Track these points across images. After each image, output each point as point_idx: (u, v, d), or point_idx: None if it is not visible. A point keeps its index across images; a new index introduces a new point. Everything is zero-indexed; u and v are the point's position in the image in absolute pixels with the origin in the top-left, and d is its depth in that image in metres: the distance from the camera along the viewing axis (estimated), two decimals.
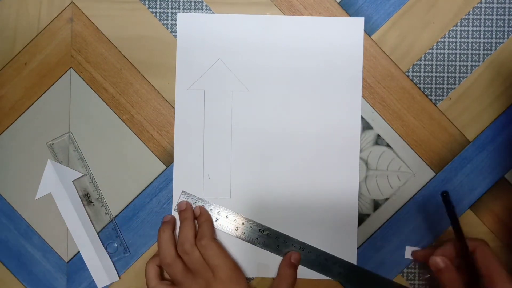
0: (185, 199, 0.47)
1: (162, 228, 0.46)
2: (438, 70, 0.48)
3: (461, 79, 0.48)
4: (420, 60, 0.48)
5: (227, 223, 0.47)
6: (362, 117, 0.48)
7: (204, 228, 0.46)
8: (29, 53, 0.48)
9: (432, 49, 0.48)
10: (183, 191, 0.47)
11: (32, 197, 0.48)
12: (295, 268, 0.46)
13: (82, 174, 0.48)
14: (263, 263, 0.47)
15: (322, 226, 0.47)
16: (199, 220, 0.46)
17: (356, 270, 0.47)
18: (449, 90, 0.48)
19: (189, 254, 0.44)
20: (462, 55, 0.48)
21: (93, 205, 0.48)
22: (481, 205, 0.48)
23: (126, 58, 0.48)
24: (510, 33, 0.48)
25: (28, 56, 0.48)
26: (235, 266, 0.45)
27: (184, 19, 0.48)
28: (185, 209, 0.47)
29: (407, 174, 0.48)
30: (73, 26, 0.48)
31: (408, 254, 0.47)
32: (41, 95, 0.48)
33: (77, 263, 0.48)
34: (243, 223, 0.47)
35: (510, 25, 0.48)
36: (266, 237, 0.47)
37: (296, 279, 0.46)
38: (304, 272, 0.47)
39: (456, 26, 0.48)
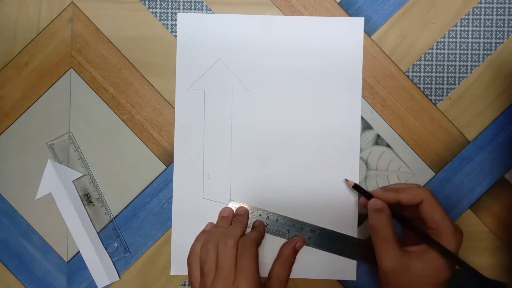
0: (233, 207, 0.47)
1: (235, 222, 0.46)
2: (438, 70, 0.48)
3: (461, 79, 0.48)
4: (420, 60, 0.48)
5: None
6: (362, 117, 0.48)
7: (253, 232, 0.45)
8: (29, 53, 0.48)
9: (432, 49, 0.48)
10: (231, 200, 0.47)
11: (32, 197, 0.48)
12: (296, 253, 0.46)
13: (82, 174, 0.48)
14: (262, 263, 0.47)
15: (322, 226, 0.47)
16: (252, 227, 0.47)
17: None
18: (449, 90, 0.48)
19: (227, 247, 0.42)
20: (462, 55, 0.48)
21: (93, 205, 0.48)
22: (481, 205, 0.48)
23: (126, 58, 0.48)
24: (510, 33, 0.48)
25: (28, 56, 0.48)
26: (258, 282, 0.42)
27: (184, 19, 0.48)
28: (243, 214, 0.47)
29: (407, 174, 0.48)
30: (73, 26, 0.48)
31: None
32: (41, 95, 0.48)
33: (77, 263, 0.48)
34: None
35: (510, 25, 0.48)
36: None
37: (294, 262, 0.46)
38: (304, 272, 0.47)
39: (456, 26, 0.48)
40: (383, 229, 0.42)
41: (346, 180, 0.47)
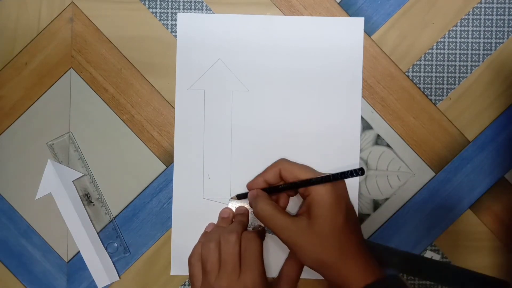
0: (233, 207, 0.47)
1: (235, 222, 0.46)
2: (438, 70, 0.48)
3: (461, 79, 0.48)
4: (420, 60, 0.48)
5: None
6: (362, 117, 0.48)
7: (256, 232, 0.45)
8: (29, 53, 0.48)
9: (432, 49, 0.48)
10: (231, 198, 0.47)
11: (33, 197, 0.48)
12: None
13: (82, 174, 0.48)
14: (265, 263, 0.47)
15: None
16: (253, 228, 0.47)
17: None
18: (449, 90, 0.48)
19: (229, 243, 0.42)
20: (462, 55, 0.48)
21: (93, 205, 0.48)
22: (481, 205, 0.48)
23: (126, 58, 0.48)
24: (510, 33, 0.48)
25: (28, 56, 0.48)
26: (264, 275, 0.42)
27: (184, 19, 0.48)
28: (243, 213, 0.47)
29: (407, 174, 0.48)
30: (73, 26, 0.48)
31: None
32: (41, 95, 0.48)
33: (77, 263, 0.48)
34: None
35: (510, 25, 0.48)
36: None
37: None
38: (304, 273, 0.47)
39: (456, 26, 0.48)
40: (266, 208, 0.42)
41: (230, 199, 0.47)
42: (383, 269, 0.41)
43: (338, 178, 0.40)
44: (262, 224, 0.46)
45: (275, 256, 0.47)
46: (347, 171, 0.39)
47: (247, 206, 0.47)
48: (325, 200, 0.40)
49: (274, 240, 0.47)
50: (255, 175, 0.47)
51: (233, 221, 0.46)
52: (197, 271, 0.43)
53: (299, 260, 0.44)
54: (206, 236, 0.45)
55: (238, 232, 0.43)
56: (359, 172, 0.39)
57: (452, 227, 0.48)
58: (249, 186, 0.46)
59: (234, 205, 0.47)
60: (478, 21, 0.48)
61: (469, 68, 0.48)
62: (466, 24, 0.48)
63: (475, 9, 0.48)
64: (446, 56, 0.48)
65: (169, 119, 0.48)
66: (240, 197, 0.47)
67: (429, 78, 0.48)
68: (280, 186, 0.44)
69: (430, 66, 0.48)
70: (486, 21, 0.48)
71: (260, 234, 0.45)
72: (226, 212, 0.47)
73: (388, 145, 0.48)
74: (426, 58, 0.48)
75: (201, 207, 0.48)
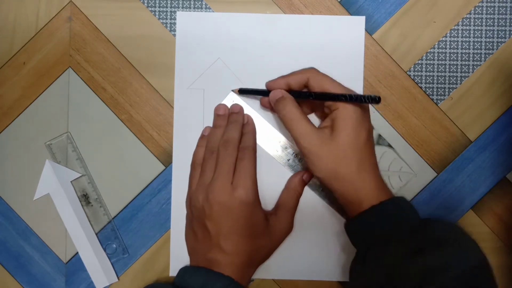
0: (228, 103, 0.47)
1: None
2: (439, 70, 0.48)
3: (462, 78, 0.48)
4: (422, 60, 0.48)
5: (268, 140, 0.47)
6: None
7: (249, 138, 0.45)
8: (27, 52, 0.48)
9: (434, 48, 0.48)
10: (232, 90, 0.47)
11: (31, 198, 0.47)
12: (304, 185, 0.47)
13: (81, 174, 0.47)
14: (263, 264, 0.47)
15: (323, 225, 0.47)
16: (244, 128, 0.46)
17: None
18: (450, 90, 0.48)
19: (228, 150, 0.43)
20: (463, 55, 0.48)
21: (92, 205, 0.48)
22: (482, 206, 0.48)
23: (125, 58, 0.48)
24: (511, 32, 0.48)
25: (26, 56, 0.48)
26: (256, 185, 0.43)
27: (183, 17, 0.48)
28: (238, 112, 0.47)
29: (408, 175, 0.48)
30: (71, 25, 0.48)
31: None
32: (40, 95, 0.48)
33: (75, 264, 0.48)
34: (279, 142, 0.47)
35: None
36: (298, 162, 0.47)
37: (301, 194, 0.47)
38: (305, 274, 0.47)
39: (458, 25, 0.48)
40: (294, 111, 0.42)
41: (232, 90, 0.47)
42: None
43: (364, 101, 0.40)
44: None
45: (270, 191, 0.47)
46: (365, 96, 0.39)
47: (241, 103, 0.47)
48: (352, 116, 0.40)
49: (268, 175, 0.47)
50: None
51: (228, 121, 0.46)
52: (197, 174, 0.45)
53: (296, 190, 0.46)
54: (205, 140, 0.46)
55: (235, 140, 0.44)
56: (376, 99, 0.38)
57: None
58: (270, 85, 0.45)
59: (230, 101, 0.47)
60: (480, 20, 0.48)
61: (471, 67, 0.48)
62: (468, 23, 0.48)
63: (476, 8, 0.48)
64: (447, 55, 0.48)
65: (168, 119, 0.48)
66: (242, 91, 0.46)
67: (431, 78, 0.48)
68: (313, 93, 0.42)
69: (431, 66, 0.48)
70: (488, 20, 0.48)
71: (255, 142, 0.46)
72: (221, 109, 0.47)
73: (389, 145, 0.48)
74: (428, 58, 0.48)
75: None
